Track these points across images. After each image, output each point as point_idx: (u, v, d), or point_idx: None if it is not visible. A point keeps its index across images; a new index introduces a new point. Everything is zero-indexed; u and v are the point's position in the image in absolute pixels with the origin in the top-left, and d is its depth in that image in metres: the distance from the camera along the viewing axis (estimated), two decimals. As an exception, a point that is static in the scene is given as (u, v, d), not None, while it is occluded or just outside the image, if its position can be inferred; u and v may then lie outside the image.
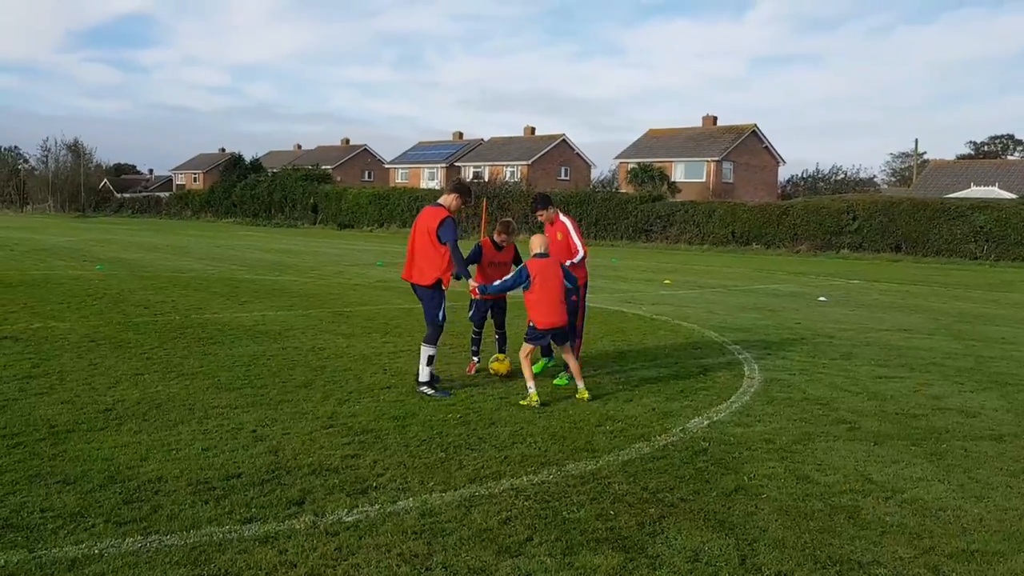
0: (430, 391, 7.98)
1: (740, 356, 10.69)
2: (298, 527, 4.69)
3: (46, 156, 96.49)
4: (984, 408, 8.16)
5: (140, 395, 7.61)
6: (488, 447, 6.38)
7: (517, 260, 9.25)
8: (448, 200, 8.38)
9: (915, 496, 5.54)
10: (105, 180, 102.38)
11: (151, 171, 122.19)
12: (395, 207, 56.57)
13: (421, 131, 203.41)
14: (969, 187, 49.96)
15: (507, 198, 50.00)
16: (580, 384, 8.12)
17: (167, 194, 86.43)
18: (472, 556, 4.39)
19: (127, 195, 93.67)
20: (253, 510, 4.92)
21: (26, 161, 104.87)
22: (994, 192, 46.66)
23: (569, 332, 8.39)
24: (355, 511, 4.96)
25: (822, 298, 19.08)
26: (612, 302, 16.70)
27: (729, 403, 8.04)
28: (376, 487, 5.40)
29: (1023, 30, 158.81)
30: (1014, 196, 43.15)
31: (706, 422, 7.31)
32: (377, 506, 5.06)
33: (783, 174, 73.28)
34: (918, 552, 4.62)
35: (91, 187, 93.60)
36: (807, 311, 16.37)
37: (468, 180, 65.74)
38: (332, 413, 7.20)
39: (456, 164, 79.22)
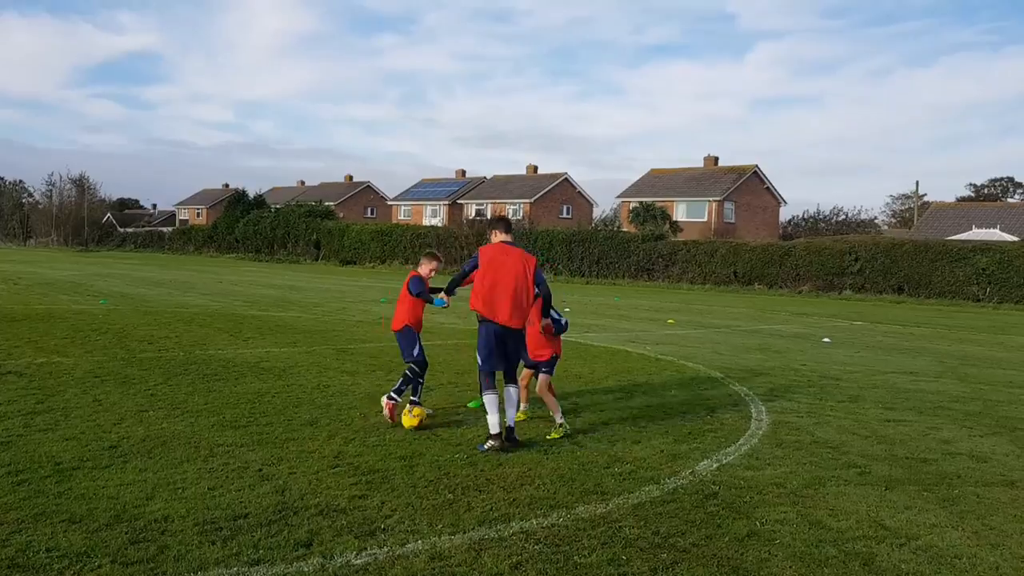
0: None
1: (747, 397, 10.63)
2: (306, 570, 4.63)
3: (51, 190, 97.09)
4: (995, 453, 8.09)
5: (145, 432, 7.56)
6: (496, 488, 6.32)
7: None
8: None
9: (929, 543, 5.48)
10: (108, 214, 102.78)
11: (155, 206, 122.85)
12: (397, 244, 56.71)
13: (422, 168, 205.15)
14: (971, 229, 50.09)
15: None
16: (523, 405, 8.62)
17: (170, 229, 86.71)
18: (483, 601, 4.33)
19: (130, 230, 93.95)
20: (261, 552, 4.86)
21: (30, 195, 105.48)
22: (995, 234, 46.77)
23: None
24: (364, 553, 4.90)
25: (826, 339, 19.04)
26: (616, 341, 16.66)
27: (738, 445, 7.98)
28: (384, 529, 5.34)
29: (1022, 75, 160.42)
30: (1015, 239, 43.26)
31: (715, 465, 7.25)
32: (386, 548, 5.00)
33: (784, 214, 73.62)
34: (936, 601, 4.55)
35: (94, 221, 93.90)
36: (812, 352, 16.33)
37: (471, 217, 66.02)
38: (338, 452, 7.15)
39: (459, 201, 79.58)
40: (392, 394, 8.41)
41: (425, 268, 8.86)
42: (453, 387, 10.53)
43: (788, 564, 5.01)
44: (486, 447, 7.43)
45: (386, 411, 8.33)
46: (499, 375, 7.86)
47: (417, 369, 8.49)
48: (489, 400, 7.64)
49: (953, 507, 6.28)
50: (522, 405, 8.63)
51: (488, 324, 7.75)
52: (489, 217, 58.30)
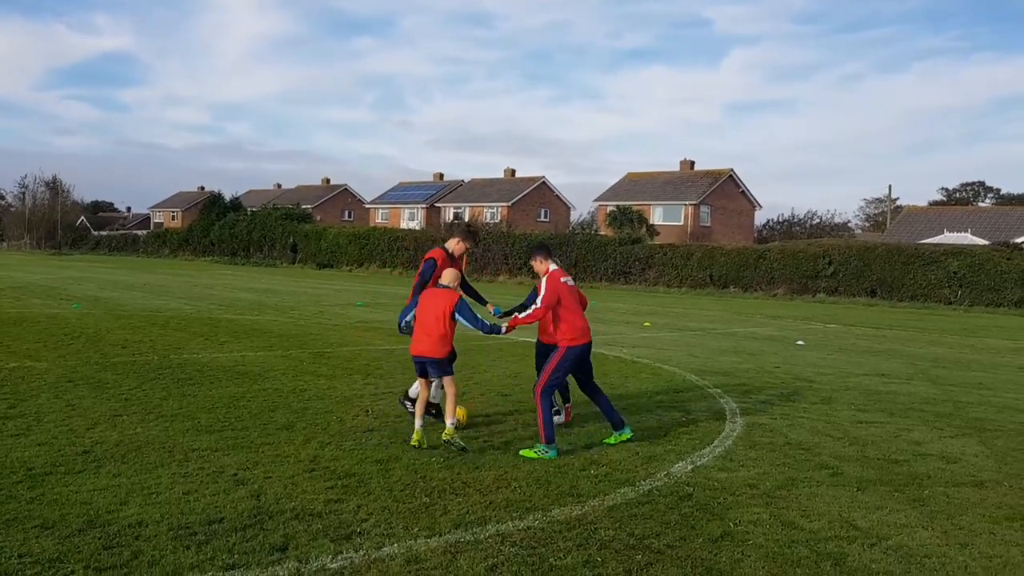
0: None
1: (721, 400, 10.71)
2: (282, 574, 4.63)
3: (23, 193, 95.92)
4: (964, 454, 8.21)
5: (119, 437, 7.50)
6: (473, 492, 6.34)
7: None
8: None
9: (900, 543, 5.55)
10: (82, 217, 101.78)
11: (129, 209, 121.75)
12: (375, 247, 56.52)
13: (398, 171, 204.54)
14: (942, 233, 50.66)
15: (488, 239, 50.13)
16: (418, 423, 7.74)
17: (145, 232, 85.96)
18: (459, 604, 4.34)
19: (104, 233, 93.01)
20: (236, 556, 4.85)
21: (2, 198, 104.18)
22: (967, 238, 47.33)
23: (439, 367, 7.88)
24: (339, 557, 4.90)
25: (800, 342, 19.20)
26: (593, 344, 16.68)
27: (712, 447, 8.05)
28: (360, 532, 5.34)
29: (992, 81, 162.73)
30: (986, 242, 43.78)
31: (690, 467, 7.30)
32: (362, 552, 5.00)
33: (759, 218, 74.21)
34: (905, 600, 4.62)
35: (68, 224, 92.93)
36: (786, 355, 16.47)
37: (450, 220, 65.97)
38: (314, 456, 7.14)
39: (436, 205, 79.50)
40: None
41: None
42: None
43: (761, 564, 5.06)
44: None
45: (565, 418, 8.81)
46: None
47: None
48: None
49: (923, 507, 6.37)
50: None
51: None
52: (466, 222, 58.21)
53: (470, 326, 7.80)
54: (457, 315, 7.76)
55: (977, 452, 8.31)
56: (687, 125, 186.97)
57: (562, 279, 8.04)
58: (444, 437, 7.55)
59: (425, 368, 7.89)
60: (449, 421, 7.68)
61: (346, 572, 4.69)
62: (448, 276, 8.03)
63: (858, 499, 6.53)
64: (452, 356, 7.99)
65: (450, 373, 7.86)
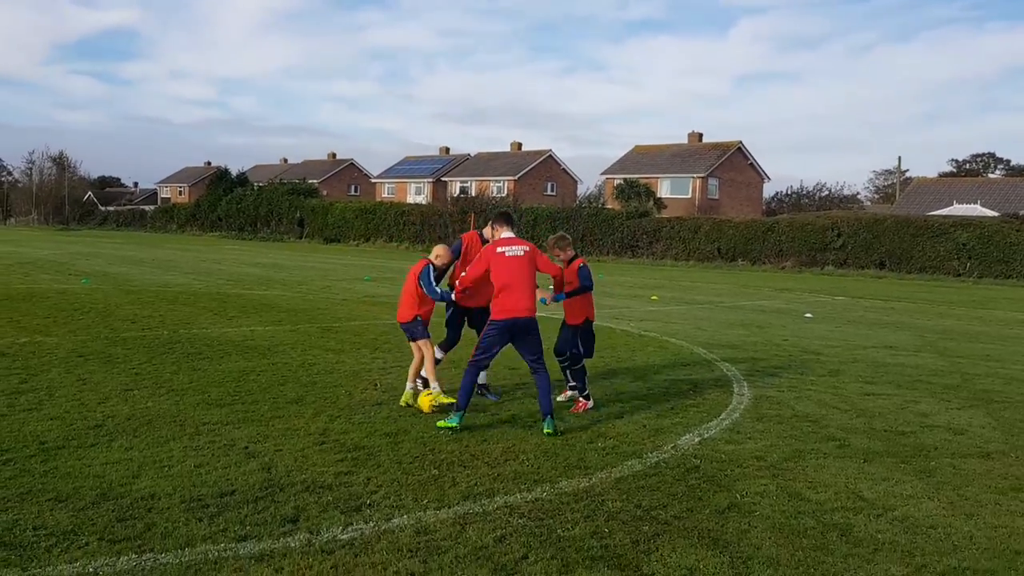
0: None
1: (729, 373, 10.74)
2: (293, 545, 4.68)
3: (30, 168, 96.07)
4: (971, 425, 8.23)
5: (130, 411, 7.57)
6: (481, 464, 6.39)
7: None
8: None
9: (906, 513, 5.59)
10: (89, 193, 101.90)
11: (136, 184, 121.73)
12: (381, 222, 56.54)
13: (404, 145, 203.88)
14: (952, 205, 50.39)
15: (494, 212, 50.00)
16: (409, 385, 8.30)
17: (152, 207, 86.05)
18: (468, 575, 4.40)
19: (111, 208, 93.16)
20: (248, 528, 4.91)
21: (9, 173, 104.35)
22: (976, 210, 47.09)
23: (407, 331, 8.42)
24: (350, 528, 4.96)
25: (808, 315, 19.19)
26: (600, 318, 16.66)
27: (719, 420, 8.08)
28: (370, 504, 5.40)
29: (1004, 50, 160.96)
30: (995, 214, 43.57)
31: (697, 439, 7.34)
32: (372, 524, 5.05)
33: (768, 191, 73.88)
34: (910, 570, 4.66)
35: (75, 200, 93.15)
36: (794, 328, 16.47)
37: (456, 195, 65.79)
38: (324, 429, 7.19)
39: (443, 179, 79.32)
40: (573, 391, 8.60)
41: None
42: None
43: (768, 535, 5.10)
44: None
45: (581, 408, 8.31)
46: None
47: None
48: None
49: (929, 478, 6.40)
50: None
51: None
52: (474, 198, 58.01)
53: (427, 292, 8.18)
54: (420, 281, 8.17)
55: (984, 424, 8.33)
56: (695, 97, 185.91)
57: (501, 249, 7.68)
58: (425, 402, 7.90)
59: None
60: (433, 385, 8.00)
61: (357, 543, 4.74)
62: (435, 250, 8.45)
63: (865, 470, 6.56)
64: (420, 321, 8.32)
65: (421, 337, 8.24)
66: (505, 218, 8.19)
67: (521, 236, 8.19)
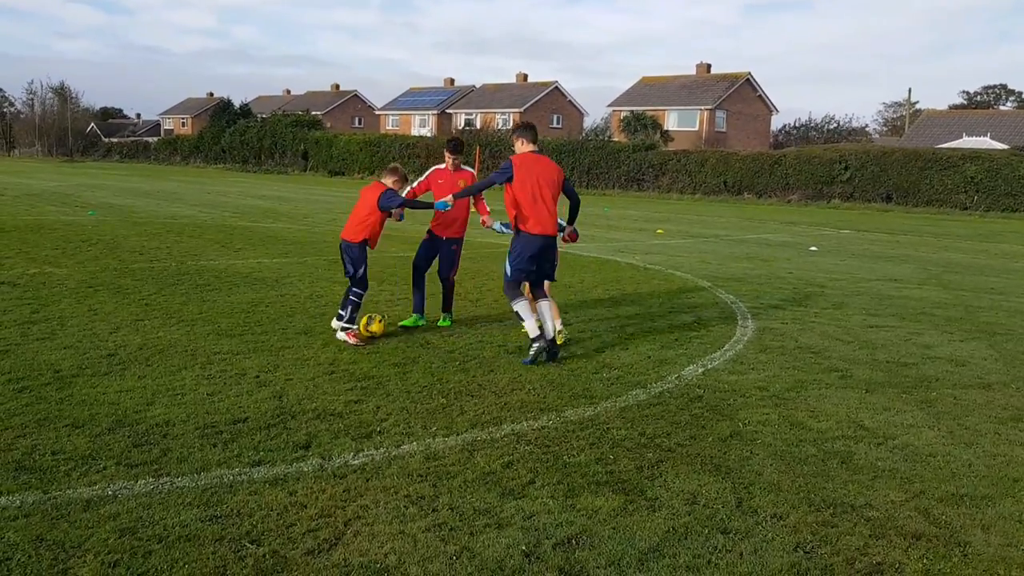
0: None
1: (733, 305, 10.80)
2: (306, 470, 4.80)
3: (31, 99, 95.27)
4: (973, 357, 8.31)
5: (142, 341, 7.67)
6: (488, 394, 6.49)
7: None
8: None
9: (906, 442, 5.69)
10: (92, 124, 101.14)
11: (139, 116, 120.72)
12: (386, 154, 56.07)
13: (406, 76, 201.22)
14: (961, 137, 49.93)
15: (499, 145, 49.68)
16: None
17: (156, 139, 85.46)
18: (477, 498, 4.51)
19: (115, 140, 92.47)
20: (261, 453, 5.02)
21: (12, 104, 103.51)
22: (986, 143, 46.66)
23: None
24: (361, 454, 5.08)
25: (813, 248, 19.19)
26: (605, 251, 16.77)
27: (723, 351, 8.16)
28: (380, 431, 5.51)
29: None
30: (1005, 147, 43.18)
31: (701, 370, 7.43)
32: (382, 450, 5.17)
33: (776, 123, 73.06)
34: (909, 496, 4.77)
35: (78, 131, 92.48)
36: (799, 261, 16.49)
37: (461, 127, 65.20)
38: (333, 360, 7.29)
39: (448, 111, 78.55)
40: (345, 324, 8.04)
41: (389, 181, 8.50)
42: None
43: (769, 462, 5.21)
44: (532, 352, 7.39)
45: (352, 341, 7.90)
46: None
47: (362, 293, 8.28)
48: (522, 306, 7.56)
49: (930, 408, 6.50)
50: (558, 324, 7.91)
51: (527, 234, 7.57)
52: (514, 125, 57.23)
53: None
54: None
55: (986, 355, 8.41)
56: (702, 26, 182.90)
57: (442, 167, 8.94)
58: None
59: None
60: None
61: (368, 467, 4.86)
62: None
63: (866, 400, 6.65)
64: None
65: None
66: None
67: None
